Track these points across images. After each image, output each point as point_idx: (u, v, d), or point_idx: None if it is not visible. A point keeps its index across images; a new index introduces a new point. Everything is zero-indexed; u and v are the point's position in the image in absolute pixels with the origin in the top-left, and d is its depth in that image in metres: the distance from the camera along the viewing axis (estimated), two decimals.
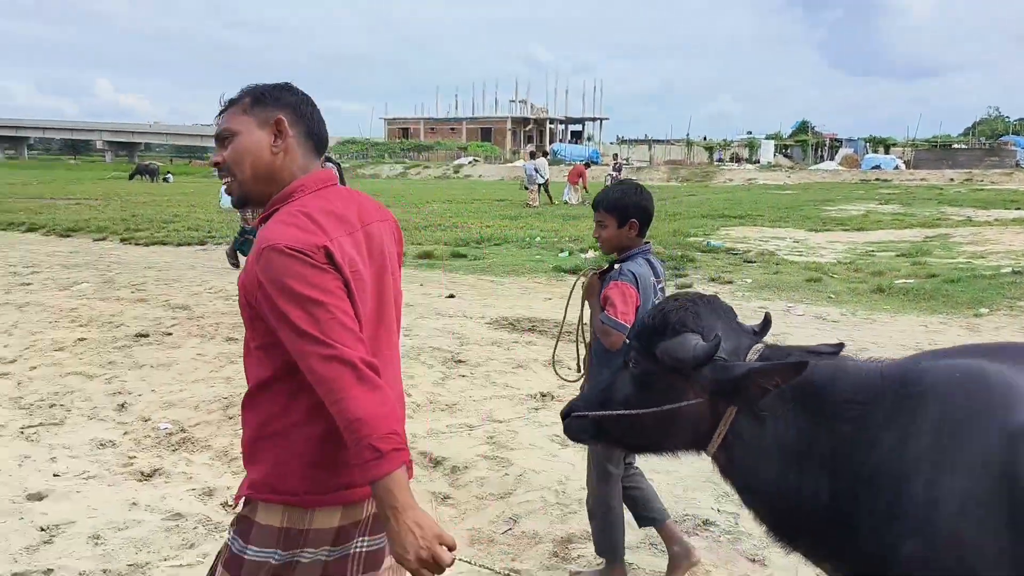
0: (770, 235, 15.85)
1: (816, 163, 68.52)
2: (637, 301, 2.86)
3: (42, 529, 3.78)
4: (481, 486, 4.24)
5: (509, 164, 65.11)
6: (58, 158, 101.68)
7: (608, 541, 3.25)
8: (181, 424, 5.15)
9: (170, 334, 7.25)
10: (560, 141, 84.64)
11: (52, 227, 16.39)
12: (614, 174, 29.17)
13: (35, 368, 6.30)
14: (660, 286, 3.08)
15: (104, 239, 14.99)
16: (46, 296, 9.05)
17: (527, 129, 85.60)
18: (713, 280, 10.06)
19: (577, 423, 2.10)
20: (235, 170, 1.79)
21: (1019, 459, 1.49)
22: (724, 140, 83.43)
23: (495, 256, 12.48)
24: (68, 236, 15.48)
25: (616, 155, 36.13)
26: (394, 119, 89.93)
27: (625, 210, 3.01)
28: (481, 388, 5.81)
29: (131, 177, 50.18)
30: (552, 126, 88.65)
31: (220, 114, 1.85)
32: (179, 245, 14.20)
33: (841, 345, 1.94)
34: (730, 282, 9.95)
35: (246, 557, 1.76)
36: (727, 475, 1.91)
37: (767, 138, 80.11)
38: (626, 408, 1.96)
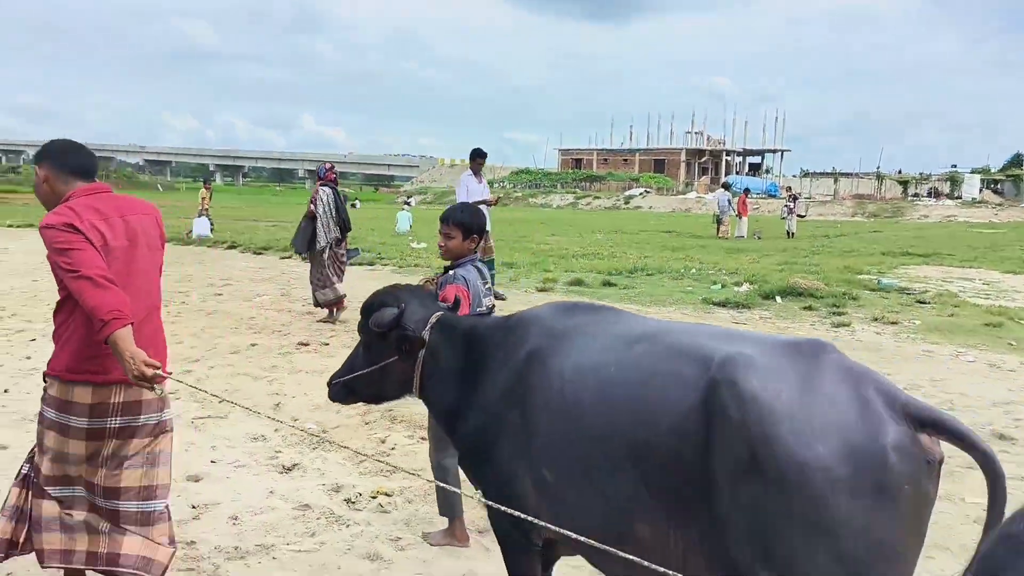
0: (956, 275, 14.53)
1: None
2: (469, 299, 3.40)
3: (193, 507, 4.28)
4: None
5: (681, 196, 64.13)
6: (267, 185, 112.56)
7: (446, 502, 3.83)
8: (324, 426, 5.62)
9: (327, 344, 7.91)
10: (737, 173, 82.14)
11: (248, 245, 18.30)
12: (790, 204, 28.05)
13: (212, 367, 7.10)
14: (487, 287, 3.70)
15: (289, 257, 16.50)
16: (232, 306, 10.16)
17: (702, 161, 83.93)
18: (876, 320, 9.40)
19: (334, 388, 2.96)
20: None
21: (531, 369, 2.44)
22: (921, 174, 77.15)
23: (645, 286, 12.40)
24: (260, 254, 17.21)
25: (790, 188, 34.57)
26: (568, 150, 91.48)
27: (470, 227, 3.64)
28: None
29: None
30: (729, 158, 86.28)
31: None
32: (351, 265, 15.33)
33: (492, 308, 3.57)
34: (895, 323, 9.26)
35: (45, 415, 2.88)
36: (427, 404, 2.88)
37: (972, 172, 73.30)
38: (358, 371, 2.84)
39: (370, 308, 2.83)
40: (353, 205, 54.08)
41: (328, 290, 8.96)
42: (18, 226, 24.09)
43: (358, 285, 12.36)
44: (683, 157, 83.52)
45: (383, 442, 5.30)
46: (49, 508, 2.91)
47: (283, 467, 4.88)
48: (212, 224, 21.54)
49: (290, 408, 6.00)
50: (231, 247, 18.56)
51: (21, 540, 2.93)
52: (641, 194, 64.79)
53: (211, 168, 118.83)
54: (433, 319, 2.78)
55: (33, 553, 2.96)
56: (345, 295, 9.07)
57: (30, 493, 2.93)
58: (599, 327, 2.45)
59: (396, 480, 4.69)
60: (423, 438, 5.32)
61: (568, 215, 47.83)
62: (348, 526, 4.10)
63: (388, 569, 3.65)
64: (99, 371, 2.78)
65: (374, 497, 4.44)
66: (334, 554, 3.77)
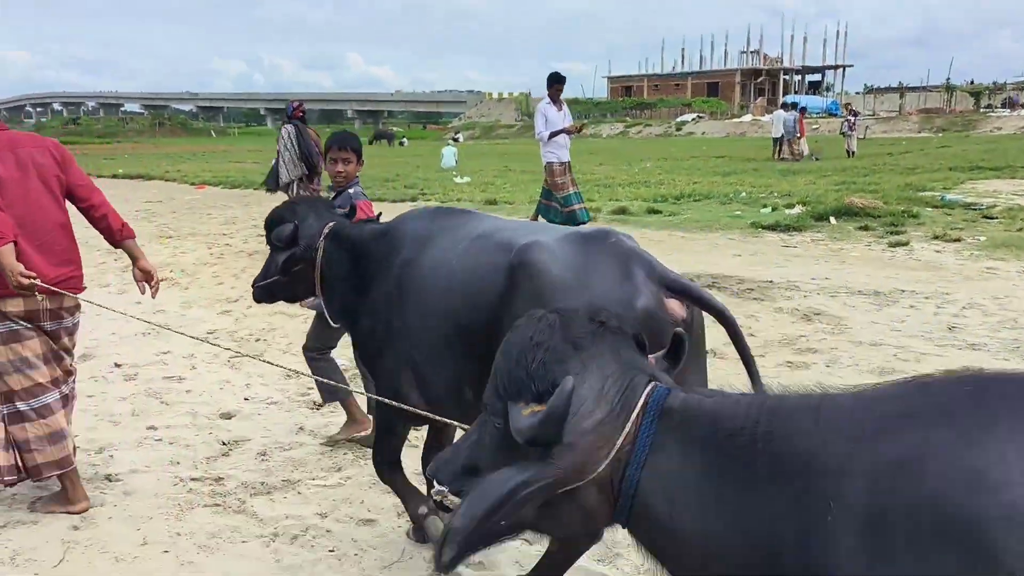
0: None
1: None
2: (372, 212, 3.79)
3: (223, 443, 4.29)
4: None
5: (736, 120, 61.96)
6: (316, 126, 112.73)
7: (327, 390, 4.17)
8: (355, 362, 5.58)
9: None
10: (796, 92, 78.84)
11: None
12: (851, 120, 26.81)
13: (250, 307, 7.12)
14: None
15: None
16: None
17: (758, 82, 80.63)
18: (937, 238, 8.89)
19: (256, 291, 3.33)
20: None
21: (402, 273, 2.75)
22: (995, 83, 72.70)
23: (692, 212, 12.00)
24: None
25: (849, 105, 32.94)
26: (617, 77, 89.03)
27: (361, 152, 4.14)
28: None
29: (370, 142, 54.50)
30: (787, 77, 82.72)
31: None
32: (395, 202, 15.25)
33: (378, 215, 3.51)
34: (957, 240, 8.74)
35: None
36: (325, 304, 3.14)
37: None
38: (271, 277, 3.19)
39: (271, 223, 3.19)
40: (401, 143, 54.00)
41: None
42: None
43: None
44: (738, 79, 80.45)
45: None
46: (31, 428, 3.33)
47: (314, 403, 4.86)
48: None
49: None
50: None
51: (20, 464, 3.35)
52: (693, 119, 62.83)
53: (261, 112, 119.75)
54: (326, 230, 3.08)
55: (37, 475, 3.42)
56: None
57: (5, 424, 3.33)
58: (453, 228, 2.77)
59: None
60: None
61: (617, 144, 46.77)
62: None
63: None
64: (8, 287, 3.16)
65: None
66: (358, 488, 3.74)
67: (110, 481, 3.81)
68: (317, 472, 3.95)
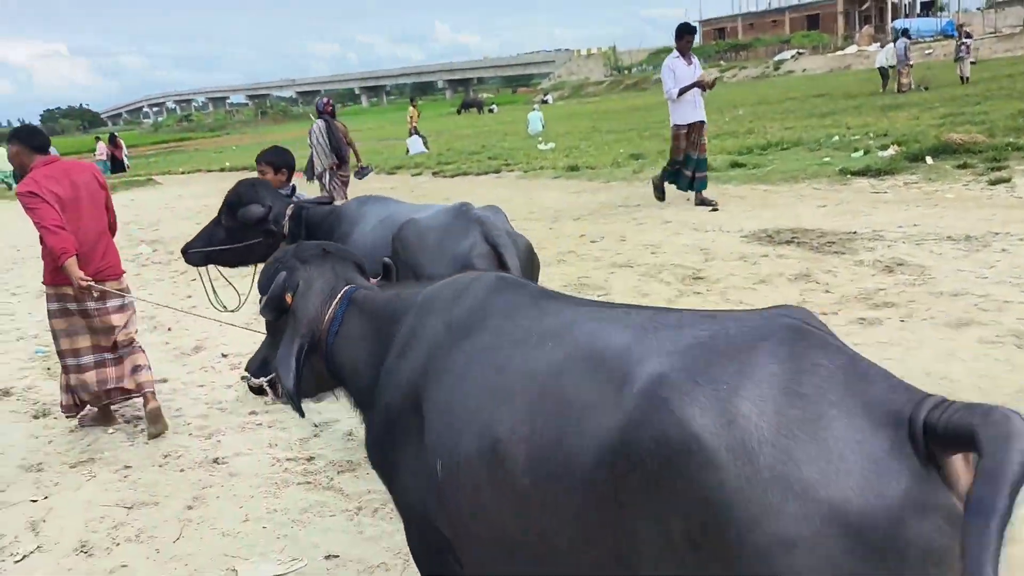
0: None
1: None
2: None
3: (315, 425, 4.67)
4: None
5: (839, 53, 58.46)
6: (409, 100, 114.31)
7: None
8: None
9: None
10: (906, 16, 73.42)
11: (382, 165, 18.94)
12: (965, 41, 24.88)
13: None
14: None
15: (420, 174, 16.96)
16: None
17: (863, 8, 75.52)
18: None
19: (191, 255, 3.96)
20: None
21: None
22: None
23: (778, 162, 11.63)
24: (393, 173, 17.78)
25: (963, 25, 30.51)
26: (709, 20, 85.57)
27: (276, 164, 4.60)
28: (713, 305, 5.67)
29: (459, 111, 54.82)
30: (895, 0, 77.07)
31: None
32: (479, 174, 15.52)
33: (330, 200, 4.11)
34: None
35: (50, 309, 4.53)
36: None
37: None
38: (217, 245, 3.89)
39: (233, 202, 3.82)
40: (491, 110, 54.08)
41: None
42: (188, 172, 26.31)
43: (481, 192, 12.62)
44: (840, 7, 75.58)
45: None
46: (77, 378, 4.58)
47: None
48: (426, 141, 22.22)
49: None
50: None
51: (75, 402, 4.67)
52: (793, 56, 59.72)
53: (356, 91, 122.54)
54: (289, 211, 3.83)
55: (90, 409, 4.78)
56: None
57: (67, 374, 4.60)
58: (374, 211, 3.77)
59: None
60: None
61: (710, 92, 45.20)
62: None
63: None
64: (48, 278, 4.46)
65: None
66: None
67: (217, 464, 4.24)
68: None
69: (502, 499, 1.50)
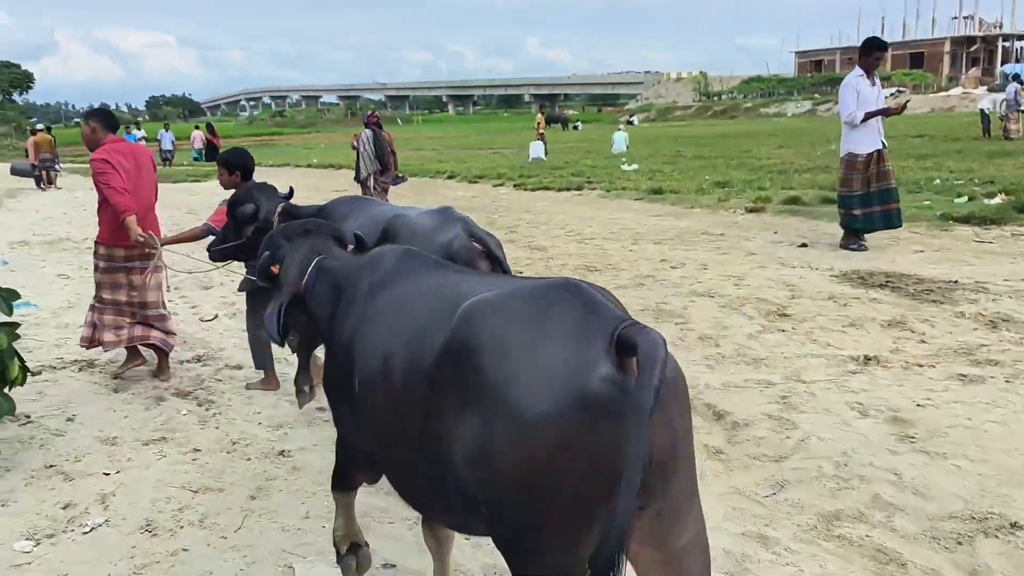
0: None
1: None
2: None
3: None
4: (757, 446, 4.05)
5: (943, 93, 56.26)
6: (495, 112, 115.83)
7: (259, 358, 5.12)
8: None
9: (522, 272, 8.08)
10: (1017, 60, 70.22)
11: (465, 174, 19.10)
12: None
13: None
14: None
15: (501, 185, 17.00)
16: None
17: (971, 50, 72.53)
18: None
19: (213, 253, 4.54)
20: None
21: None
22: None
23: None
24: (475, 182, 17.88)
25: None
26: (806, 51, 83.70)
27: (232, 164, 5.03)
28: (798, 345, 5.43)
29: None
30: (1007, 44, 73.79)
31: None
32: (560, 190, 15.44)
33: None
34: None
35: (99, 264, 5.27)
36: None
37: None
38: (230, 243, 4.45)
39: (234, 204, 4.42)
40: (575, 126, 54.13)
41: None
42: (277, 165, 27.12)
43: (562, 209, 12.56)
44: (947, 48, 72.89)
45: None
46: (107, 319, 5.23)
47: None
48: (546, 149, 22.63)
49: None
50: (450, 177, 19.47)
51: (95, 337, 5.24)
52: (892, 94, 57.79)
53: (443, 99, 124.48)
54: (279, 208, 4.32)
55: (103, 345, 5.28)
56: None
57: (96, 312, 5.25)
58: (362, 210, 4.19)
59: None
60: None
61: (802, 124, 44.06)
62: None
63: None
64: (125, 239, 5.01)
65: None
66: None
67: (283, 456, 4.24)
68: None
69: (387, 399, 2.17)
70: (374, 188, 10.00)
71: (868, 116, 7.88)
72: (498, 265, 3.63)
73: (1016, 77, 25.75)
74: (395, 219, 3.77)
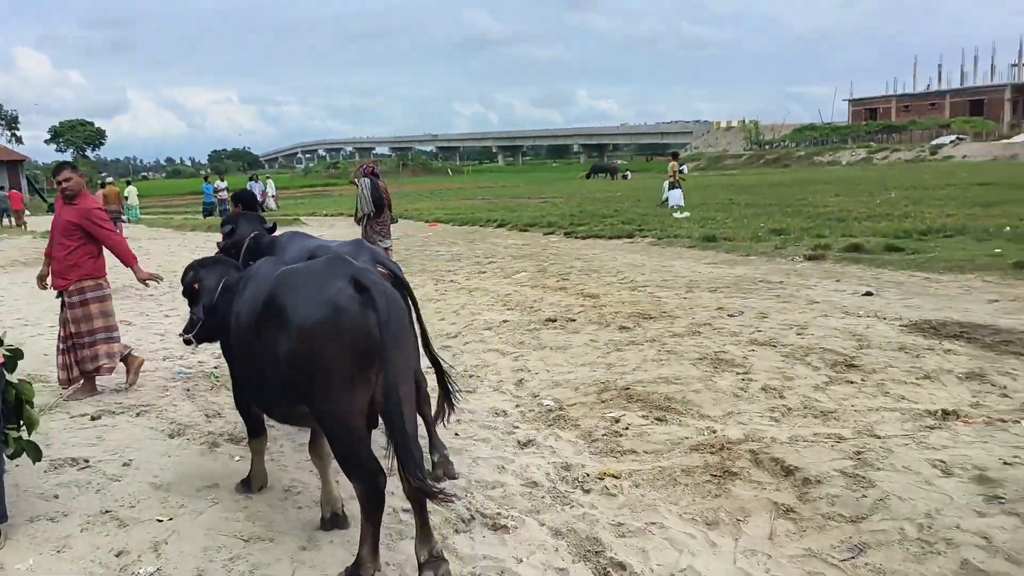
0: None
1: None
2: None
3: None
4: (832, 504, 3.81)
5: (1005, 141, 54.87)
6: (544, 162, 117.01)
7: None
8: (561, 402, 5.66)
9: (574, 320, 7.96)
10: None
11: (515, 223, 19.15)
12: None
13: (468, 343, 7.51)
14: None
15: (552, 233, 16.97)
16: (492, 282, 10.67)
17: None
18: None
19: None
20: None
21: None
22: None
23: (941, 249, 10.76)
24: (525, 231, 17.90)
25: None
26: (860, 99, 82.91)
27: (235, 198, 6.36)
28: (869, 398, 5.16)
29: (588, 176, 55.12)
30: None
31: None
32: (610, 238, 15.32)
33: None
34: None
35: (88, 300, 6.17)
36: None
37: None
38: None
39: (223, 223, 5.38)
40: (625, 176, 54.20)
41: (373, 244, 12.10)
42: (332, 215, 27.69)
43: (613, 256, 12.45)
44: (1008, 95, 71.30)
45: (616, 421, 5.19)
46: (93, 351, 6.13)
47: (518, 442, 4.99)
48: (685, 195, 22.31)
49: (532, 384, 6.13)
50: (500, 225, 19.55)
51: (73, 377, 6.13)
52: (952, 142, 56.57)
53: (493, 150, 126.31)
54: (252, 234, 5.15)
55: (85, 380, 6.20)
56: (388, 249, 11.57)
57: (71, 354, 6.12)
58: (298, 242, 4.99)
59: (626, 462, 4.57)
60: (658, 419, 5.14)
61: (858, 173, 43.34)
62: (572, 507, 4.07)
63: (599, 555, 3.56)
64: (102, 273, 6.24)
65: (601, 479, 4.36)
66: (551, 536, 3.77)
67: None
68: (515, 513, 4.02)
69: (247, 340, 3.61)
70: (367, 228, 11.22)
71: None
72: (403, 288, 4.07)
73: None
74: (319, 248, 4.67)
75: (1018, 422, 4.54)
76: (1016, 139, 54.22)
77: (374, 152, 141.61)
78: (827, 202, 20.20)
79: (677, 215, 18.55)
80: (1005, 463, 4.02)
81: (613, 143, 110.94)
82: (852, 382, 5.48)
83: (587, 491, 4.25)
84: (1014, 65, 74.64)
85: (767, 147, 76.03)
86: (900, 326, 6.84)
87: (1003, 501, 3.64)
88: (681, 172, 23.71)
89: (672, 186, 21.79)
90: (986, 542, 3.31)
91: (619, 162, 68.73)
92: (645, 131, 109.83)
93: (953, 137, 58.60)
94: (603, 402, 5.58)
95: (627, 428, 5.08)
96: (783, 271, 10.30)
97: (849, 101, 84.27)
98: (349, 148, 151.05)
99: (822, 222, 15.08)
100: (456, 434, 5.20)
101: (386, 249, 12.59)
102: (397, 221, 14.25)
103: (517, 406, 5.69)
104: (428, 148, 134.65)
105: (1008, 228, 12.07)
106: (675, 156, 24.96)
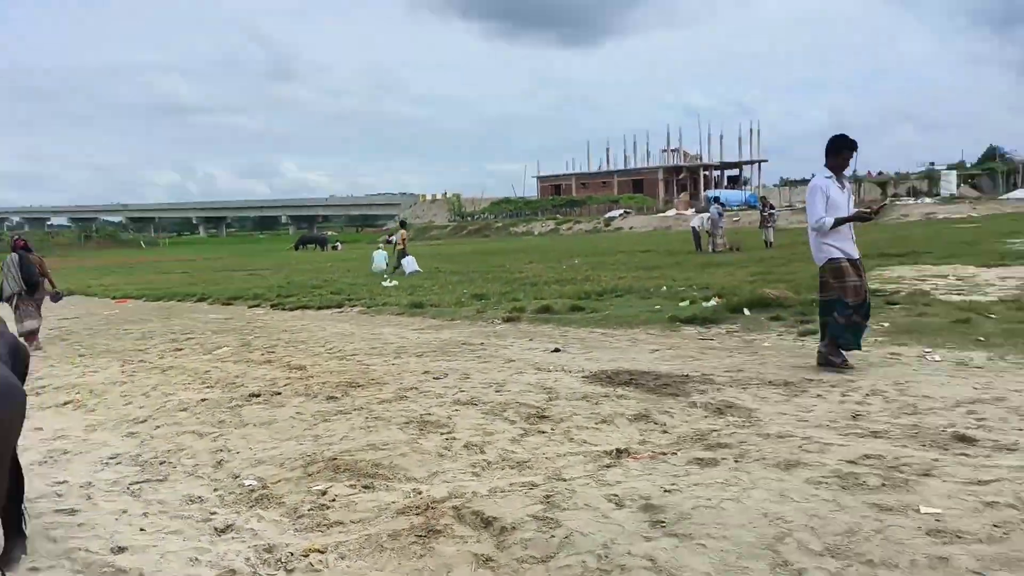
0: (931, 273, 14.46)
1: (1008, 192, 62.24)
2: None
3: None
4: (525, 548, 4.06)
5: (661, 214, 64.35)
6: (250, 233, 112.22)
7: None
8: (264, 480, 5.38)
9: (279, 393, 7.68)
10: (716, 186, 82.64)
11: (218, 296, 18.09)
12: (772, 212, 28.31)
13: (159, 427, 6.86)
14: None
15: (258, 305, 16.30)
16: (190, 360, 9.91)
17: (680, 178, 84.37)
18: None
19: None
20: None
21: None
22: (898, 173, 77.63)
23: (614, 307, 12.24)
24: (229, 304, 16.97)
25: (764, 198, 34.80)
26: (546, 176, 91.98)
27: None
28: (557, 444, 5.64)
29: (296, 248, 54.14)
30: (706, 173, 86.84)
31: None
32: (319, 308, 15.14)
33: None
34: None
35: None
36: None
37: (949, 168, 73.87)
38: None
39: None
40: (335, 247, 54.03)
41: (22, 325, 11.32)
42: None
43: (322, 326, 12.30)
44: (660, 176, 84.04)
45: (323, 494, 5.06)
46: None
47: (215, 529, 4.63)
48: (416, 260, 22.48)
49: (232, 464, 5.76)
50: (200, 299, 18.32)
51: None
52: (621, 215, 65.03)
53: (194, 221, 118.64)
54: None
55: None
56: (36, 330, 11.61)
57: None
58: None
59: (332, 535, 4.46)
60: (365, 487, 5.11)
61: (548, 242, 47.80)
62: None
63: None
64: None
65: (306, 556, 4.20)
66: None
67: None
68: None
69: None
70: (19, 305, 10.99)
71: (840, 222, 7.09)
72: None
73: (716, 200, 30.24)
74: None
75: (675, 454, 5.26)
76: (669, 213, 63.84)
77: (49, 223, 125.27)
78: (522, 268, 21.97)
79: (385, 283, 18.87)
80: (665, 491, 4.62)
81: (323, 214, 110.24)
82: (543, 432, 5.95)
83: (290, 571, 4.06)
84: (664, 151, 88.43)
85: (469, 218, 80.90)
86: (582, 377, 7.60)
87: (664, 524, 4.17)
88: (389, 241, 24.59)
89: (402, 254, 22.68)
90: (652, 563, 3.75)
91: (329, 233, 68.32)
92: (354, 203, 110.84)
93: (622, 211, 67.39)
94: (309, 475, 5.41)
95: (334, 500, 4.97)
96: (484, 333, 10.93)
97: (537, 178, 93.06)
98: (16, 218, 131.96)
99: (518, 286, 16.34)
100: (142, 529, 4.69)
101: (32, 333, 11.75)
102: (63, 295, 13.69)
103: (215, 490, 5.29)
104: (117, 219, 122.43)
105: (665, 287, 14.09)
106: (403, 225, 25.82)
